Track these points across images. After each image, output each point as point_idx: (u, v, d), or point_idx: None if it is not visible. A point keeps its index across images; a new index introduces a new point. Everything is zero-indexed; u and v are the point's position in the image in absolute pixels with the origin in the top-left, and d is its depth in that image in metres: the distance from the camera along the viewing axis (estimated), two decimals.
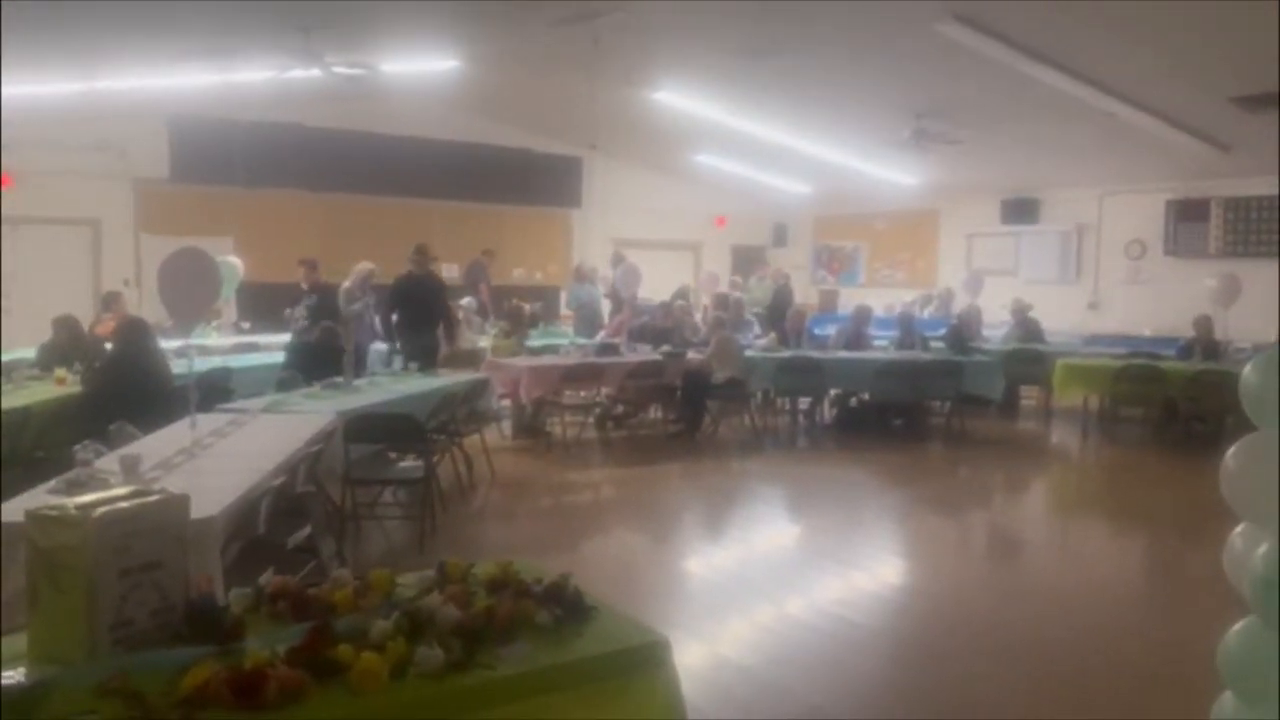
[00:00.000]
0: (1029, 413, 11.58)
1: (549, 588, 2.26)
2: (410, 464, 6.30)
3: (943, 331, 11.59)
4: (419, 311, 9.03)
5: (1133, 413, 10.40)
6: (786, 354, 10.16)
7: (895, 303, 14.19)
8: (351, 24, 7.43)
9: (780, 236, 17.56)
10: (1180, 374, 9.42)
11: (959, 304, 13.48)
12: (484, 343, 10.52)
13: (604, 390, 9.59)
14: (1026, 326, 11.78)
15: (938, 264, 15.70)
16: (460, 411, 7.32)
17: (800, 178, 15.10)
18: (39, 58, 7.78)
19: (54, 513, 1.89)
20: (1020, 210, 14.30)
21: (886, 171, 13.54)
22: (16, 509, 3.33)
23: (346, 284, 10.39)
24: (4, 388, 6.47)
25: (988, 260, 14.64)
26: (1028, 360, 10.87)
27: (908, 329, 10.94)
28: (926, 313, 13.92)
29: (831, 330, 11.76)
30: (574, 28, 7.71)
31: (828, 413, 10.69)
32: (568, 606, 2.19)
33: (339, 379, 7.04)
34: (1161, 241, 13.02)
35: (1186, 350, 10.19)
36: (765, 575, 5.74)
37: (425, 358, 8.71)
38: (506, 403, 9.20)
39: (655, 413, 10.00)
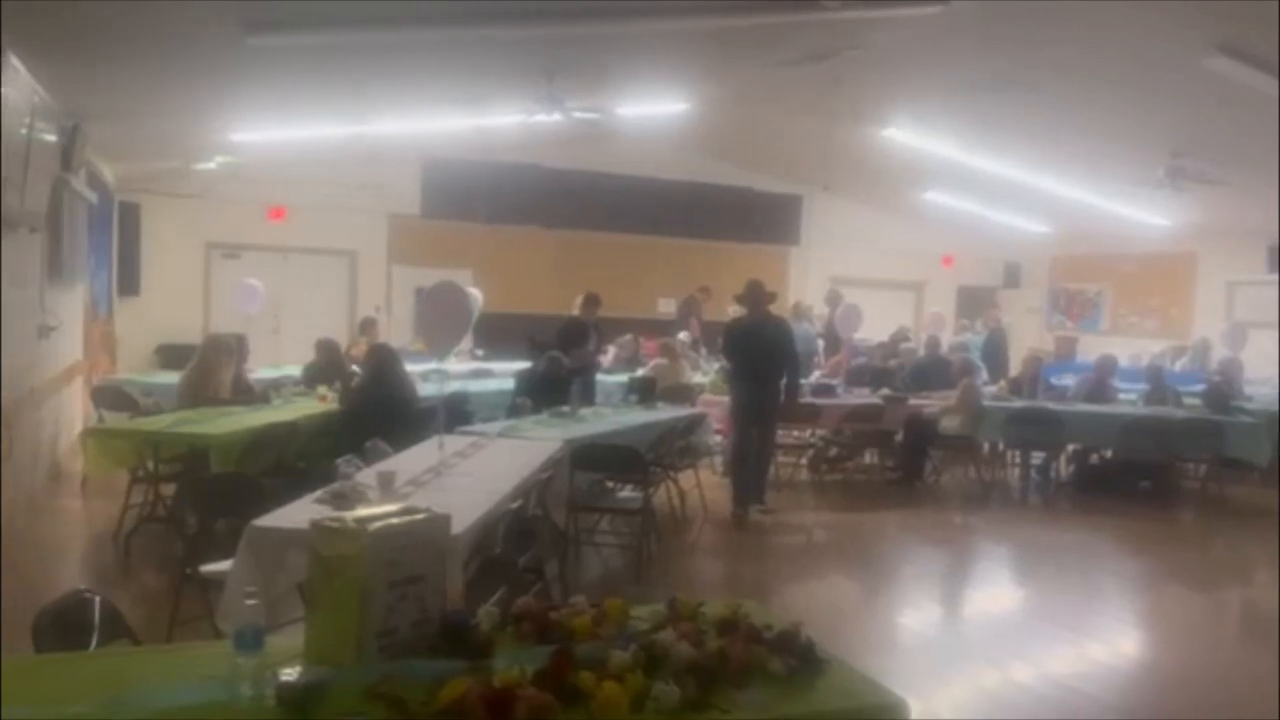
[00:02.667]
0: None
1: (781, 635, 2.23)
2: (629, 494, 6.45)
3: (1197, 387, 10.61)
4: (758, 362, 7.62)
5: None
6: (1020, 404, 9.61)
7: (1141, 353, 13.12)
8: (592, 70, 7.78)
9: (1012, 277, 16.71)
10: None
11: (1216, 357, 12.30)
12: (699, 378, 10.64)
13: (818, 431, 9.44)
14: None
15: (1192, 313, 14.41)
16: (676, 445, 7.43)
17: (1037, 216, 14.34)
18: (312, 106, 8.66)
19: (335, 524, 2.07)
20: None
21: (1136, 211, 12.62)
22: (289, 515, 3.68)
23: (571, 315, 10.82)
24: (274, 403, 7.19)
25: (1251, 311, 13.26)
26: None
27: (1159, 382, 10.09)
28: (1178, 366, 12.79)
29: (1069, 380, 11.02)
30: (806, 68, 7.72)
31: (1064, 469, 10.00)
32: (801, 656, 2.16)
33: (565, 408, 7.32)
34: None
35: None
36: (989, 637, 5.45)
37: (765, 419, 7.70)
38: (720, 438, 9.23)
39: (871, 458, 9.73)
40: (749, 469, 7.73)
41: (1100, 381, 10.04)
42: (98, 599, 2.63)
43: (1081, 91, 8.46)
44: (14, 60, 4.73)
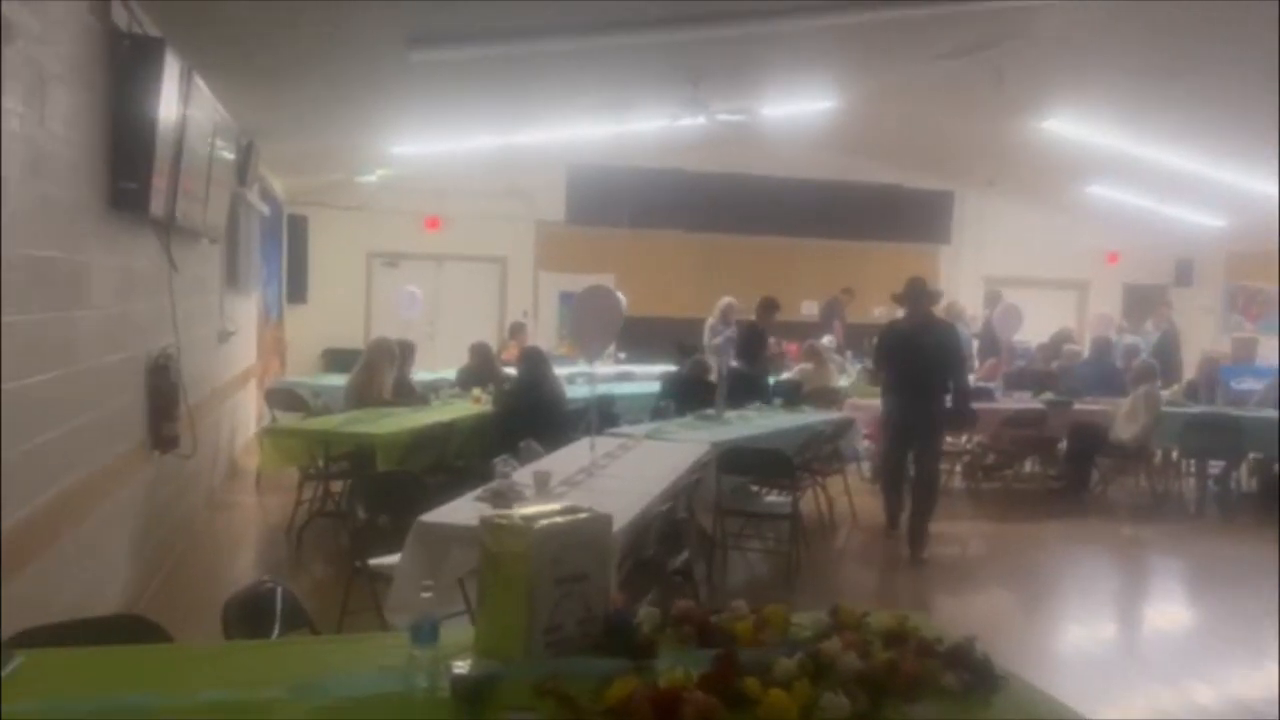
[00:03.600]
0: None
1: (953, 649, 2.13)
2: (777, 499, 6.37)
3: None
4: (918, 370, 6.69)
5: None
6: (1197, 409, 8.98)
7: None
8: (738, 72, 7.74)
9: (1184, 275, 15.65)
10: None
11: None
12: (844, 381, 10.43)
13: (975, 437, 9.08)
14: None
15: None
16: (824, 450, 7.29)
17: (1211, 209, 13.38)
18: (466, 118, 8.95)
19: (504, 521, 2.10)
20: None
21: None
22: (452, 512, 3.80)
23: (711, 319, 10.82)
24: (432, 404, 7.46)
25: None
26: None
27: None
28: None
29: (1248, 384, 10.23)
30: (962, 61, 7.45)
31: (1245, 480, 9.28)
32: (976, 672, 2.06)
33: (710, 410, 7.30)
34: None
35: None
36: (1164, 657, 5.14)
37: (925, 438, 6.78)
38: (868, 443, 9.00)
39: (1032, 465, 9.29)
40: (901, 499, 7.04)
41: None
42: (280, 589, 2.77)
43: (1260, 76, 7.84)
44: (199, 81, 5.06)
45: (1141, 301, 14.93)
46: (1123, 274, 15.58)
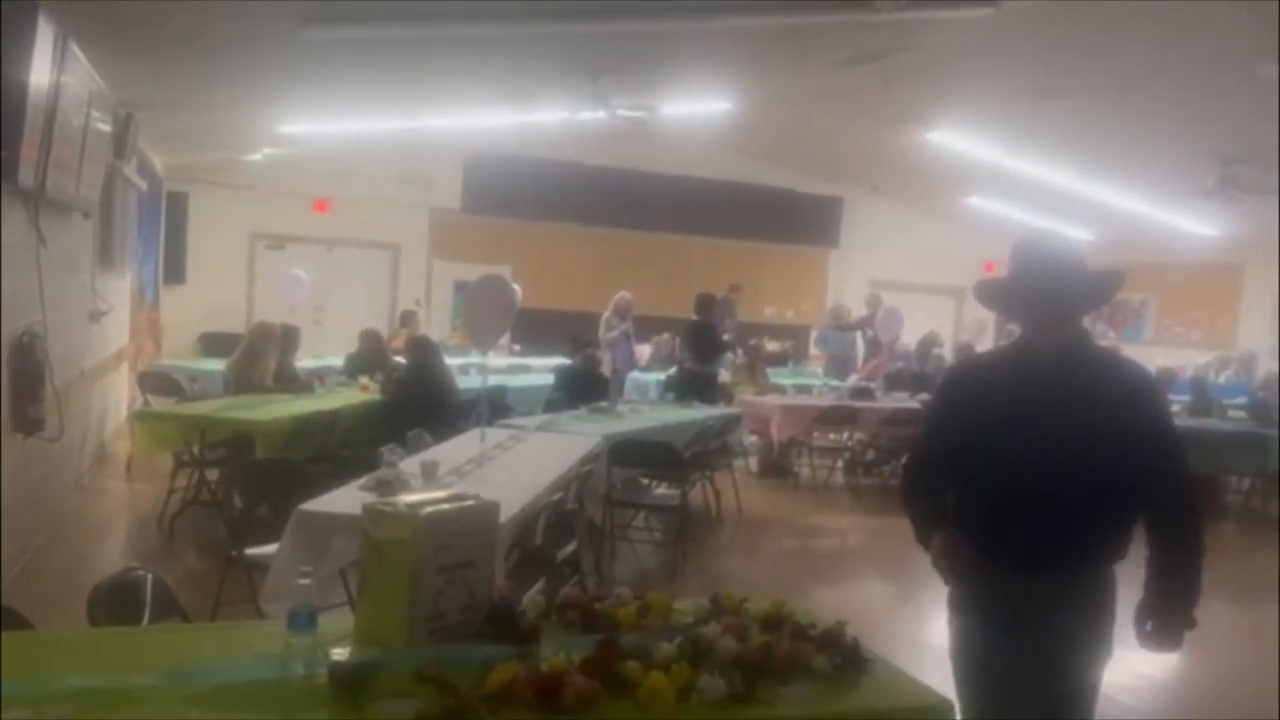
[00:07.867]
0: None
1: (826, 633, 2.23)
2: (666, 491, 6.47)
3: (1242, 400, 10.42)
4: (1044, 486, 2.50)
5: None
6: None
7: (1186, 364, 12.93)
8: (638, 68, 7.78)
9: None
10: None
11: (1263, 370, 12.07)
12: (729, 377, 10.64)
13: (856, 435, 9.38)
14: None
15: (1238, 324, 14.15)
16: (713, 444, 7.43)
17: (1081, 223, 14.12)
18: (360, 99, 8.74)
19: (388, 508, 2.09)
20: None
21: (1184, 220, 12.41)
22: (334, 501, 3.73)
23: (606, 313, 10.87)
24: (317, 392, 7.28)
25: None
26: None
27: (1202, 394, 9.94)
28: (1223, 378, 12.57)
29: None
30: (854, 70, 7.67)
31: None
32: (846, 655, 2.16)
33: (604, 404, 7.35)
34: None
35: None
36: None
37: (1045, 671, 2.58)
38: (754, 439, 9.21)
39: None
40: None
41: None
42: (150, 576, 2.68)
43: (1132, 97, 8.34)
44: (74, 49, 4.82)
45: None
46: None
